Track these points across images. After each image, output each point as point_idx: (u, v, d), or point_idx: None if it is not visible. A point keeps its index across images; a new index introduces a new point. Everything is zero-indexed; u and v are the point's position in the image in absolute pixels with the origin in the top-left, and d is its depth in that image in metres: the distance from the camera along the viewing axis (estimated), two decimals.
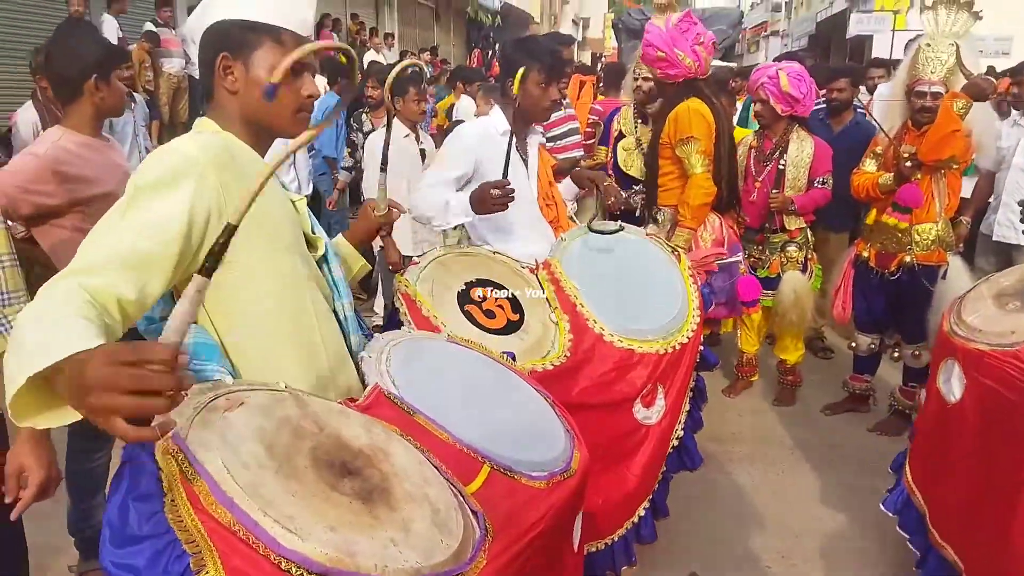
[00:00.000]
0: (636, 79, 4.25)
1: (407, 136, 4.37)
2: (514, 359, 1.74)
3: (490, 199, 2.24)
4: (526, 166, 2.60)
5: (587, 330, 2.12)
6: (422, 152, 4.43)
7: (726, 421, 3.88)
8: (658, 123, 3.62)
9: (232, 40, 1.31)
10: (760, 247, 3.90)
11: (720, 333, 4.39)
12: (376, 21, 15.16)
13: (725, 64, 11.66)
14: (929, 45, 3.23)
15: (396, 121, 4.33)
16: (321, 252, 1.50)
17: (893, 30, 17.37)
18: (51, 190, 2.26)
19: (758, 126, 3.98)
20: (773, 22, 36.17)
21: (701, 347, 2.41)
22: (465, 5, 19.29)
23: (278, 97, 1.29)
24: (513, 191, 2.25)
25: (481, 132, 2.53)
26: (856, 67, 6.18)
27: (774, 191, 3.77)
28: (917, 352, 3.55)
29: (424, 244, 4.12)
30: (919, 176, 3.32)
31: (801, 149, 3.77)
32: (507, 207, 2.27)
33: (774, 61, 4.43)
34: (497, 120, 2.55)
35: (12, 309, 1.63)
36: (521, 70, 2.39)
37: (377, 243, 4.26)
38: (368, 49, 12.77)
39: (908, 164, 3.28)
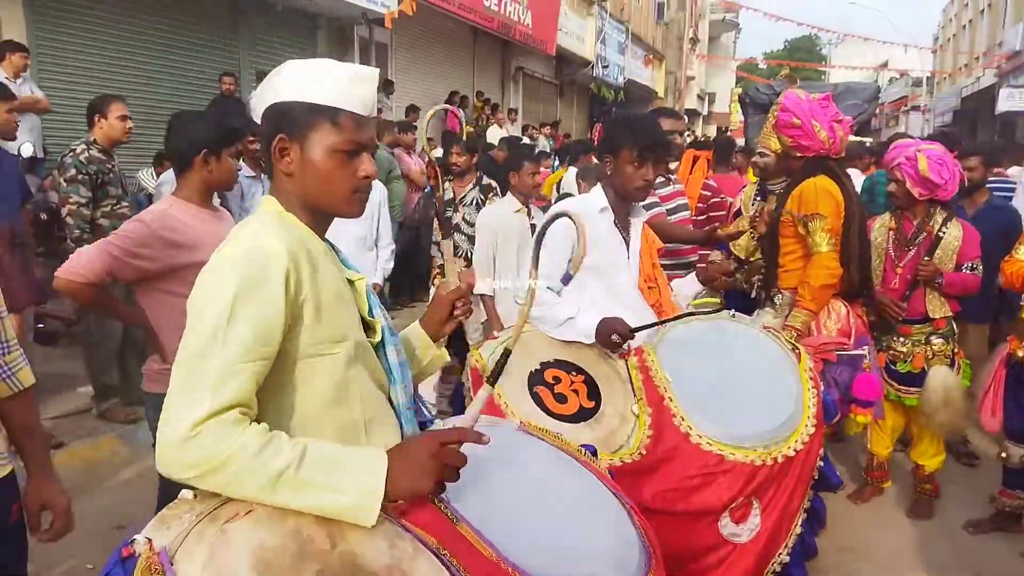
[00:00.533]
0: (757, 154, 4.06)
1: (519, 211, 4.30)
2: (595, 454, 1.57)
3: (607, 339, 2.14)
4: (627, 246, 2.47)
5: (672, 427, 1.92)
6: (532, 227, 4.38)
7: (851, 533, 3.44)
8: (782, 199, 3.41)
9: (289, 121, 1.30)
10: (901, 339, 3.51)
11: (849, 434, 3.96)
12: (501, 97, 15.72)
13: (858, 139, 11.13)
14: None
15: (509, 196, 4.33)
16: (379, 337, 1.43)
17: None
18: (154, 255, 2.36)
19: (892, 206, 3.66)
20: (913, 96, 34.68)
21: (820, 462, 2.13)
22: (588, 82, 19.69)
23: (335, 185, 1.31)
24: (632, 336, 2.14)
25: (580, 211, 2.43)
26: (994, 144, 5.74)
27: (925, 258, 3.43)
28: None
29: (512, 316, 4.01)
30: None
31: (947, 233, 3.45)
32: (619, 351, 2.16)
33: (921, 139, 4.14)
34: (596, 198, 2.47)
35: (11, 356, 1.69)
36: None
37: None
38: (492, 124, 13.21)
39: None
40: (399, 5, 10.47)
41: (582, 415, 1.86)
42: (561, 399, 1.86)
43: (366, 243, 4.39)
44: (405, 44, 12.40)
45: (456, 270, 1.73)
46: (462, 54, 14.46)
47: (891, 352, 3.52)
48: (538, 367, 1.88)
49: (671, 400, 1.96)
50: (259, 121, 1.35)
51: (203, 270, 1.22)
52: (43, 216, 5.11)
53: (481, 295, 4.12)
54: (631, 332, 2.13)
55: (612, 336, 2.11)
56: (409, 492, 1.19)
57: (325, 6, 9.78)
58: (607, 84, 20.25)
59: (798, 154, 3.29)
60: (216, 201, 2.75)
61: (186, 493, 1.12)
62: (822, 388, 2.22)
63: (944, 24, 36.42)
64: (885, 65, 37.36)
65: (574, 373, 1.90)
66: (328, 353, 1.27)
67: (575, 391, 1.89)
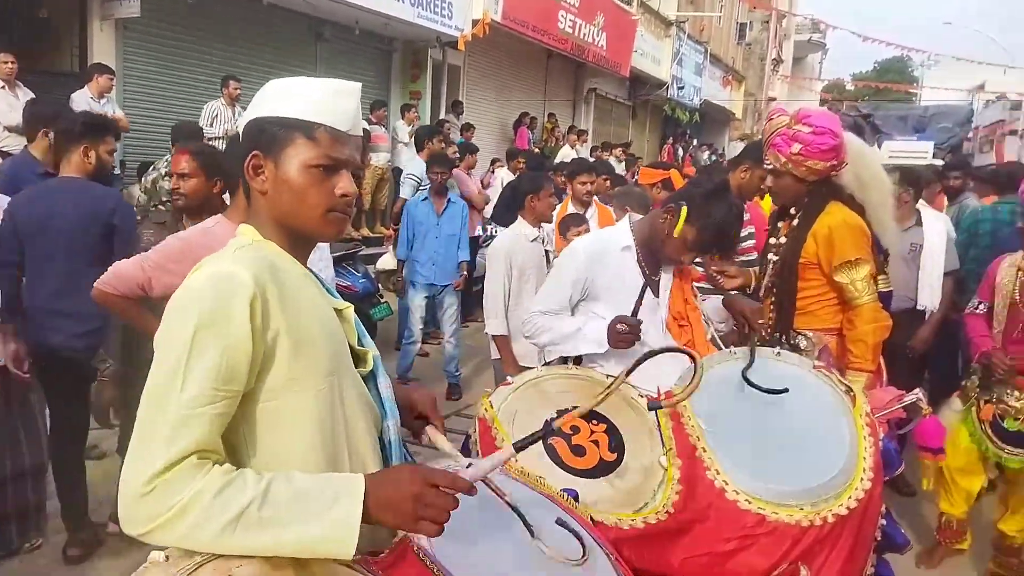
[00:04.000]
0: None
1: (534, 240, 4.07)
2: (576, 498, 1.41)
3: (615, 334, 2.06)
4: (655, 287, 2.34)
5: (705, 482, 1.75)
6: (546, 254, 4.16)
7: None
8: (795, 233, 2.88)
9: (264, 137, 1.24)
10: (1016, 393, 3.05)
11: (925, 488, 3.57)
12: (572, 118, 15.66)
13: (931, 163, 10.43)
14: None
15: (521, 221, 4.10)
16: (369, 367, 1.35)
17: None
18: (184, 271, 2.37)
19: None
20: (1012, 121, 32.68)
21: (883, 520, 1.92)
22: (663, 103, 19.41)
23: (308, 202, 1.23)
24: (640, 328, 2.04)
25: (595, 250, 2.35)
26: None
27: None
28: None
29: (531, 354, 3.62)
30: None
31: None
32: (633, 344, 2.05)
33: None
34: (621, 234, 2.35)
35: None
36: (684, 211, 2.21)
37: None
38: (563, 145, 13.15)
39: None
40: (473, 28, 10.59)
41: (602, 469, 1.70)
42: (579, 451, 1.71)
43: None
44: (477, 66, 12.52)
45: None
46: (534, 75, 14.50)
47: (1000, 406, 3.08)
48: (554, 415, 1.74)
49: (705, 450, 1.79)
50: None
51: (168, 303, 1.16)
52: None
53: (493, 335, 3.85)
54: (639, 323, 2.04)
55: (616, 328, 2.05)
56: (392, 523, 1.08)
57: (401, 29, 9.97)
58: (682, 105, 19.91)
59: (812, 179, 2.77)
60: None
61: (155, 555, 1.05)
62: (881, 436, 2.00)
63: None
64: (981, 87, 35.41)
65: (595, 422, 1.75)
66: (310, 388, 1.18)
67: (595, 442, 1.74)
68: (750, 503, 1.74)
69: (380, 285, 6.48)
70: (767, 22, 28.34)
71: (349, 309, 1.35)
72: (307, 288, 1.25)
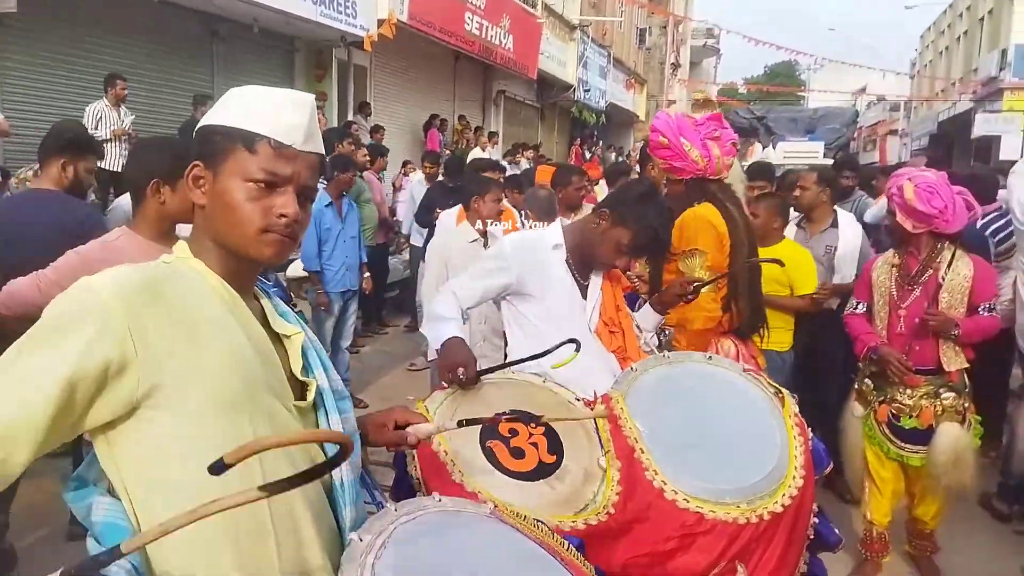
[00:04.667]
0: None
1: (473, 241, 4.06)
2: (580, 548, 1.32)
3: (446, 370, 1.91)
4: (583, 290, 2.30)
5: (644, 482, 1.74)
6: None
7: None
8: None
9: (206, 146, 1.14)
10: (908, 391, 3.06)
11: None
12: (482, 121, 15.66)
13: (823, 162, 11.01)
14: None
15: (466, 224, 4.13)
16: (311, 399, 1.22)
17: None
18: None
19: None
20: (891, 121, 35.18)
21: (815, 519, 1.95)
22: (570, 105, 19.71)
23: (241, 219, 1.12)
24: (464, 381, 1.90)
25: (523, 246, 2.29)
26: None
27: (930, 309, 3.00)
28: None
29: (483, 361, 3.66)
30: None
31: (956, 270, 3.01)
32: (453, 383, 1.90)
33: (921, 167, 3.51)
34: (552, 234, 2.30)
35: None
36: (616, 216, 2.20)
37: None
38: (474, 147, 13.13)
39: None
40: (379, 28, 10.40)
41: (542, 471, 1.67)
42: (518, 454, 1.68)
43: None
44: (385, 67, 12.32)
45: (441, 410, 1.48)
46: (443, 77, 14.41)
47: (895, 405, 3.09)
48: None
49: (643, 452, 1.79)
50: None
51: None
52: None
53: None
54: (477, 376, 1.87)
55: (458, 370, 1.87)
56: None
57: (303, 28, 9.67)
58: (589, 108, 20.29)
59: (676, 177, 2.99)
60: None
61: None
62: (810, 435, 2.06)
63: (921, 50, 37.07)
64: (863, 90, 37.89)
65: (533, 424, 1.72)
66: (212, 427, 1.04)
67: (534, 444, 1.71)
68: (688, 502, 1.74)
69: (292, 294, 6.25)
70: (665, 27, 29.28)
71: (298, 336, 1.23)
72: (218, 313, 1.11)
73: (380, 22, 10.38)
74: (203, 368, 1.06)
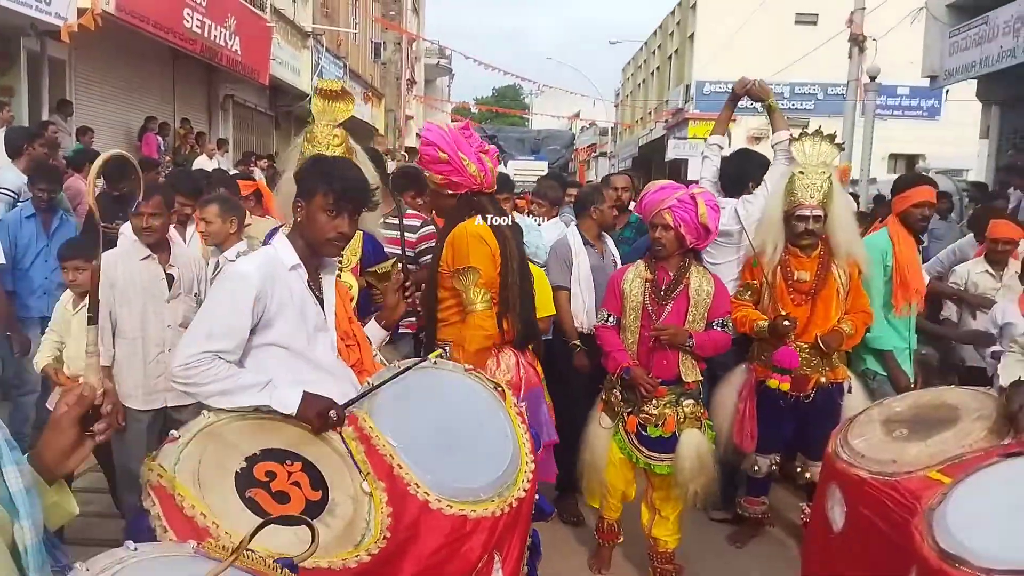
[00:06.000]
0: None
1: (145, 258, 3.37)
2: (292, 568, 1.25)
3: (319, 421, 1.83)
4: (321, 305, 2.16)
5: (409, 498, 1.75)
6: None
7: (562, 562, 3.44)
8: (438, 243, 3.02)
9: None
10: (653, 401, 3.18)
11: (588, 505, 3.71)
12: (208, 126, 14.55)
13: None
14: (803, 173, 3.40)
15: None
16: None
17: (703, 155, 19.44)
18: None
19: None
20: (601, 144, 39.44)
21: (536, 495, 2.12)
22: (306, 115, 19.07)
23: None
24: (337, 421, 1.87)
25: (266, 271, 2.02)
26: None
27: (658, 323, 3.15)
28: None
29: None
30: (793, 337, 3.37)
31: (700, 287, 3.17)
32: (327, 430, 1.85)
33: (688, 183, 3.54)
34: (283, 253, 2.09)
35: None
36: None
37: None
38: (199, 155, 12.12)
39: (786, 323, 3.30)
40: (79, 18, 9.17)
41: (312, 511, 1.56)
42: (282, 498, 1.54)
43: None
44: (89, 61, 10.90)
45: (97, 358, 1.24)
46: (161, 76, 13.14)
47: (642, 415, 3.19)
48: (243, 464, 1.56)
49: (401, 467, 1.78)
50: None
51: None
52: None
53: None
54: (342, 411, 1.84)
55: (330, 413, 1.82)
56: None
57: None
58: None
59: (449, 191, 2.95)
60: None
61: None
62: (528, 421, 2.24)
63: (624, 82, 41.95)
64: (577, 115, 41.92)
65: (289, 462, 1.60)
66: None
67: (296, 483, 1.59)
68: (451, 507, 1.79)
69: None
70: (399, 43, 29.72)
71: None
72: None
73: (81, 11, 9.17)
74: None
